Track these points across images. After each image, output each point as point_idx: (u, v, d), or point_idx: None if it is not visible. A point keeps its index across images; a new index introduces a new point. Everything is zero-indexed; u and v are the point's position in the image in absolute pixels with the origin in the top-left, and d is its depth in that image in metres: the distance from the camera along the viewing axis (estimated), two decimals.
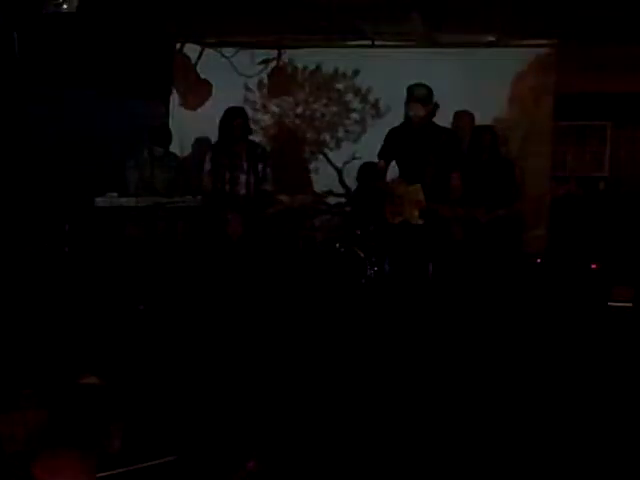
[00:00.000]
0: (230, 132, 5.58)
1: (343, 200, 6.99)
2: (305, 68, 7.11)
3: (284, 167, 6.79)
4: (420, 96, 5.05)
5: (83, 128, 6.29)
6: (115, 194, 5.88)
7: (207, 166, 5.70)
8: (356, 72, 7.00)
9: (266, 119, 7.19)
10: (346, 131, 7.12)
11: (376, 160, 5.44)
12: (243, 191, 5.65)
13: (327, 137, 7.16)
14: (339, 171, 7.06)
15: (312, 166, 7.19)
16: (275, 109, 7.21)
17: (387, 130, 5.41)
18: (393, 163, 5.37)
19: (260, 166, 5.65)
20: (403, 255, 5.29)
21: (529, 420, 3.63)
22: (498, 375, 4.26)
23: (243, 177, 5.64)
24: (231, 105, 5.85)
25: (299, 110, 7.18)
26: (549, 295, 5.80)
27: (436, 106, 5.11)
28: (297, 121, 7.20)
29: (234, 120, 5.57)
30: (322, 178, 7.09)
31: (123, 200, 5.80)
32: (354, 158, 6.89)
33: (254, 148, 5.74)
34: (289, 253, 6.11)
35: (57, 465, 1.97)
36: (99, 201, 5.80)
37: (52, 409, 2.14)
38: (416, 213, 5.11)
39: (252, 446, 3.06)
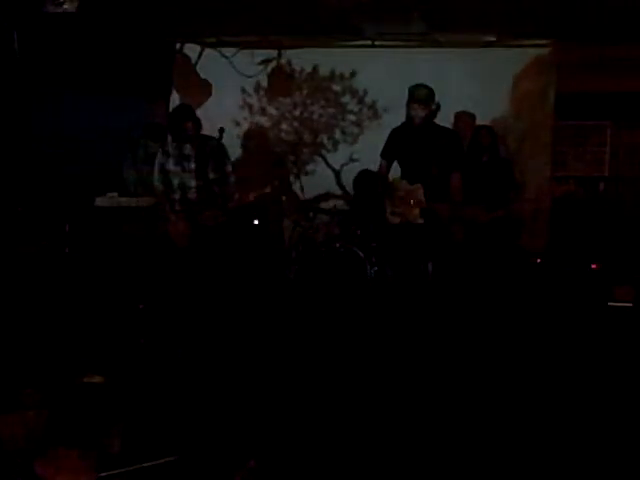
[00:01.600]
0: (180, 134, 5.22)
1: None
2: (302, 70, 7.12)
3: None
4: (421, 97, 5.05)
5: (83, 128, 6.29)
6: (115, 194, 5.90)
7: (156, 173, 5.35)
8: (353, 73, 7.01)
9: (263, 121, 7.21)
10: (343, 133, 7.12)
11: (373, 163, 5.45)
12: (194, 195, 5.29)
13: (324, 139, 7.16)
14: (337, 173, 7.06)
15: (310, 168, 7.20)
16: (273, 111, 7.22)
17: (384, 131, 5.42)
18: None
19: (212, 165, 5.28)
20: (403, 255, 5.29)
21: (529, 420, 3.63)
22: (498, 375, 4.26)
23: (192, 181, 5.29)
24: (230, 104, 5.82)
25: (297, 112, 7.19)
26: (549, 295, 5.80)
27: (437, 107, 5.11)
28: (295, 123, 7.20)
29: (185, 122, 5.18)
30: (320, 180, 7.10)
31: (123, 200, 5.81)
32: (352, 160, 6.90)
33: (205, 146, 5.29)
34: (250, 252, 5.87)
35: (58, 464, 1.98)
36: (99, 201, 5.81)
37: (53, 408, 2.14)
38: (417, 213, 5.11)
39: (252, 446, 3.06)
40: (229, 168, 5.42)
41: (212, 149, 5.32)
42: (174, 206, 5.33)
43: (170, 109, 7.15)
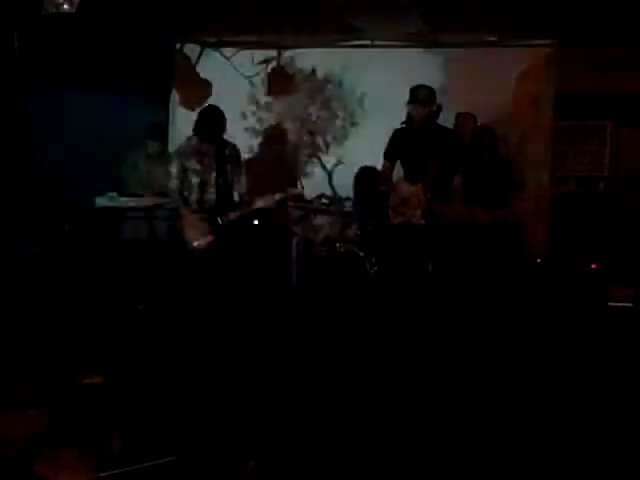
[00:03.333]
0: (207, 134, 5.26)
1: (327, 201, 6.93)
2: (300, 71, 7.12)
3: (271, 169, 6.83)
4: (421, 97, 5.05)
5: (83, 128, 6.28)
6: (115, 194, 5.90)
7: (173, 171, 5.35)
8: (351, 74, 7.00)
9: (263, 122, 7.21)
10: (340, 134, 7.12)
11: (371, 164, 5.46)
12: (212, 196, 5.30)
13: (321, 140, 7.16)
14: (329, 174, 7.07)
15: (307, 169, 7.21)
16: (272, 112, 7.22)
17: (382, 132, 5.43)
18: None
19: (229, 167, 5.32)
20: (403, 255, 5.29)
21: (529, 421, 3.63)
22: (498, 375, 4.26)
23: (213, 181, 5.30)
24: (229, 104, 5.79)
25: (295, 112, 7.19)
26: (549, 295, 5.80)
27: (439, 107, 5.10)
28: (292, 124, 7.20)
29: (215, 123, 5.23)
30: (317, 181, 7.10)
31: (123, 200, 5.80)
32: (339, 163, 6.93)
33: (224, 148, 5.34)
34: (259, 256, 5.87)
35: (58, 464, 1.98)
36: (99, 201, 5.81)
37: (53, 408, 2.14)
38: (419, 213, 5.12)
39: (252, 446, 3.06)
40: (242, 170, 5.45)
41: (230, 151, 5.37)
42: (190, 205, 5.33)
43: (170, 109, 7.20)
